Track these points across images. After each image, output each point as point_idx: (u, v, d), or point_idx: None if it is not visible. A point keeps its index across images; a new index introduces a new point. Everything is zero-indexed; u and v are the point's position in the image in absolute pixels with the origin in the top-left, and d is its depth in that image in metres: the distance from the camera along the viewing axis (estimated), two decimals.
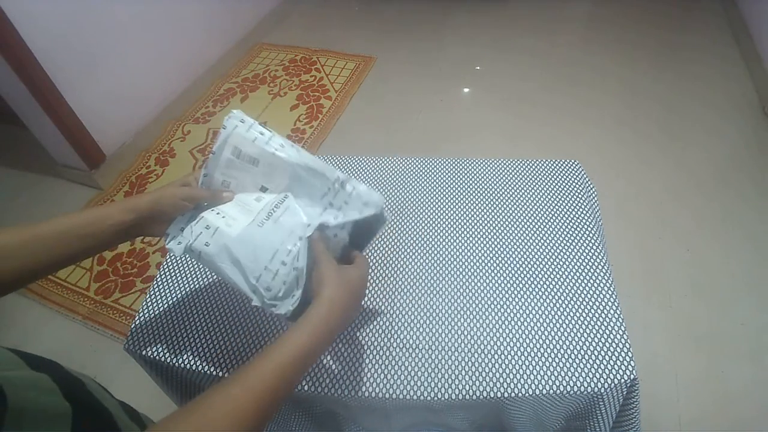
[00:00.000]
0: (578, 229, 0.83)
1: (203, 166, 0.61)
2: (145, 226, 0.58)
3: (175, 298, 0.79)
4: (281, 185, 0.60)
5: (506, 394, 0.64)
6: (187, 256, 0.57)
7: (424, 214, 0.88)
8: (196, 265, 0.84)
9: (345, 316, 0.52)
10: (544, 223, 0.85)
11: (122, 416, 0.47)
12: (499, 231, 0.84)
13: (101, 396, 0.46)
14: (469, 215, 0.87)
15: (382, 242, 0.84)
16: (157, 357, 0.72)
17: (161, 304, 0.79)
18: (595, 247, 0.80)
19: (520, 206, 0.88)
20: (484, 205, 0.89)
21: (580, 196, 0.89)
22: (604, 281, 0.75)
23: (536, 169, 0.94)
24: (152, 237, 0.61)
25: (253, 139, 0.58)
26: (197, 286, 0.81)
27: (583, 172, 0.94)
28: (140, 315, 0.78)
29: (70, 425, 0.36)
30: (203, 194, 0.60)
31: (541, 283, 0.76)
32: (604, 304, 0.72)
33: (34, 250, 0.51)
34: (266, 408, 0.42)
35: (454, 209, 0.89)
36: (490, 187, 0.92)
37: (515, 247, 0.82)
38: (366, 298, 0.77)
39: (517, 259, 0.80)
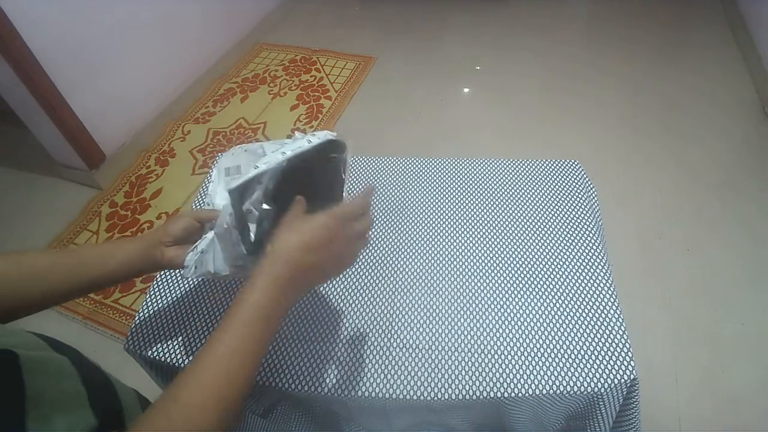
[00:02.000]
0: (578, 229, 0.83)
1: (205, 196, 0.71)
2: (157, 256, 0.59)
3: (175, 298, 0.79)
4: None
5: (506, 394, 0.64)
6: (200, 278, 0.60)
7: (424, 214, 0.88)
8: None
9: (301, 265, 0.46)
10: (544, 223, 0.85)
11: (134, 405, 0.48)
12: (499, 231, 0.84)
13: (117, 383, 0.47)
14: (469, 215, 0.87)
15: (382, 242, 0.84)
16: (157, 357, 0.72)
17: (161, 304, 0.79)
18: (595, 247, 0.80)
19: (520, 206, 0.88)
20: (484, 205, 0.89)
21: (580, 196, 0.89)
22: (604, 281, 0.75)
23: (536, 169, 0.94)
24: (168, 269, 0.62)
25: (232, 153, 0.71)
26: (197, 286, 0.81)
27: (583, 172, 0.94)
28: (140, 315, 0.78)
29: (89, 408, 0.37)
30: (207, 213, 0.64)
31: (541, 283, 0.76)
32: (604, 304, 0.72)
33: (52, 277, 0.53)
34: (229, 402, 0.41)
35: (454, 209, 0.89)
36: (490, 187, 0.92)
37: (515, 247, 0.81)
38: (366, 298, 0.77)
39: (517, 259, 0.80)
